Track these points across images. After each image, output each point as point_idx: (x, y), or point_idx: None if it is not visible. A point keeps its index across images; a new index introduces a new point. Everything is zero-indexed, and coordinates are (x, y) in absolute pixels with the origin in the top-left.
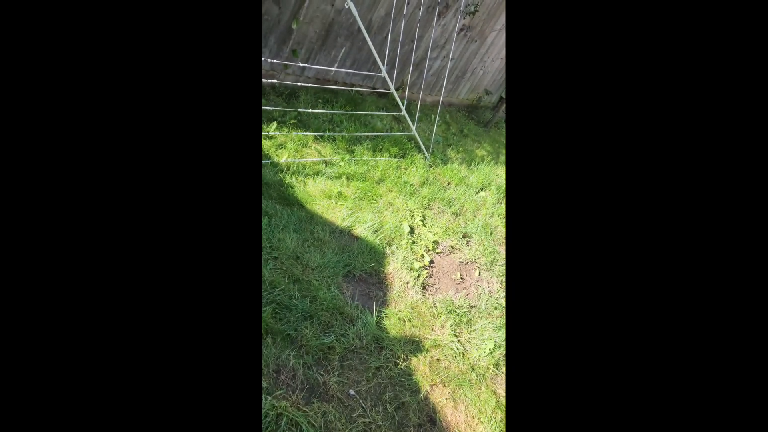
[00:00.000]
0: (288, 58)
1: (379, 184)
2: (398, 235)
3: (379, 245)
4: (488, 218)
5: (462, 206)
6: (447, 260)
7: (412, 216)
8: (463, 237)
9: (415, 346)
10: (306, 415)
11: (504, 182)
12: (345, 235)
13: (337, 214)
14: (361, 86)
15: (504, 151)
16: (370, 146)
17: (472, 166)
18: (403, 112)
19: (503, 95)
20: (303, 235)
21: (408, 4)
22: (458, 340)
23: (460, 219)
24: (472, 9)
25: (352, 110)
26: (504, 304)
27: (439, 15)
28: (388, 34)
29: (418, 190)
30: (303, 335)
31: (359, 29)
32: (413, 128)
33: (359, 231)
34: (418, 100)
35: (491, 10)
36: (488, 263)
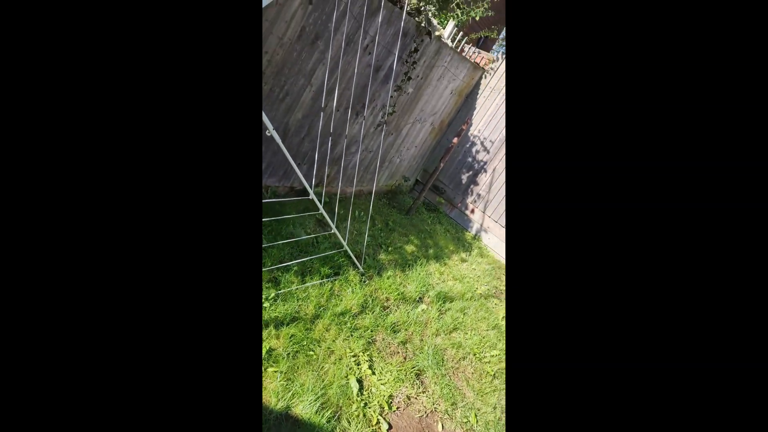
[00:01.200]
0: None
1: (314, 322)
2: (347, 399)
3: (327, 428)
4: (435, 339)
5: (407, 330)
6: (405, 418)
7: (358, 363)
8: (417, 377)
9: None
10: None
11: (441, 286)
12: (282, 421)
13: (270, 389)
14: (278, 187)
15: (430, 242)
16: (298, 269)
17: (406, 270)
18: (334, 230)
19: (419, 178)
20: None
21: (326, 106)
22: None
23: (407, 348)
24: (390, 111)
25: (271, 223)
26: None
27: (356, 114)
28: (305, 136)
29: (358, 322)
30: None
31: (273, 133)
32: (344, 243)
33: (300, 410)
34: (350, 196)
35: (404, 108)
36: (449, 408)
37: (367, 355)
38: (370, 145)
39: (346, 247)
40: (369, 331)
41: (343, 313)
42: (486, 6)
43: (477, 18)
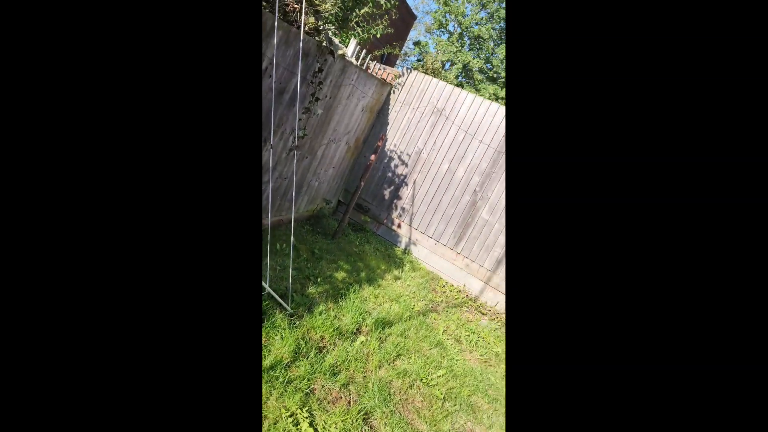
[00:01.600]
0: None
1: None
2: None
3: None
4: (378, 372)
5: (348, 369)
6: None
7: (297, 423)
8: (365, 421)
9: None
10: None
11: (377, 311)
12: None
13: None
14: None
15: (361, 265)
16: None
17: (339, 300)
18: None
19: (341, 199)
20: None
21: None
22: None
23: (351, 390)
24: (301, 134)
25: None
26: None
27: (264, 142)
28: None
29: (292, 372)
30: None
31: None
32: (266, 285)
33: None
34: (268, 229)
35: (316, 129)
36: None
37: (306, 410)
38: (284, 172)
39: (268, 289)
40: (305, 380)
41: (273, 367)
42: (385, 24)
43: (378, 35)
